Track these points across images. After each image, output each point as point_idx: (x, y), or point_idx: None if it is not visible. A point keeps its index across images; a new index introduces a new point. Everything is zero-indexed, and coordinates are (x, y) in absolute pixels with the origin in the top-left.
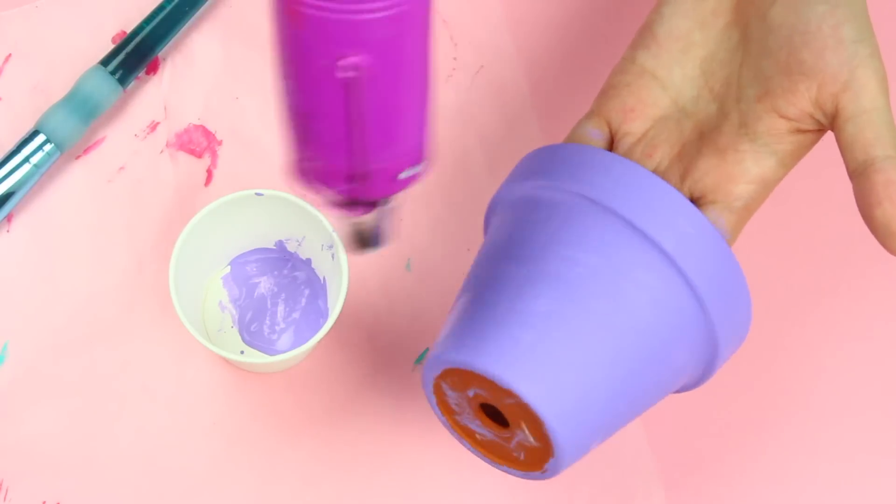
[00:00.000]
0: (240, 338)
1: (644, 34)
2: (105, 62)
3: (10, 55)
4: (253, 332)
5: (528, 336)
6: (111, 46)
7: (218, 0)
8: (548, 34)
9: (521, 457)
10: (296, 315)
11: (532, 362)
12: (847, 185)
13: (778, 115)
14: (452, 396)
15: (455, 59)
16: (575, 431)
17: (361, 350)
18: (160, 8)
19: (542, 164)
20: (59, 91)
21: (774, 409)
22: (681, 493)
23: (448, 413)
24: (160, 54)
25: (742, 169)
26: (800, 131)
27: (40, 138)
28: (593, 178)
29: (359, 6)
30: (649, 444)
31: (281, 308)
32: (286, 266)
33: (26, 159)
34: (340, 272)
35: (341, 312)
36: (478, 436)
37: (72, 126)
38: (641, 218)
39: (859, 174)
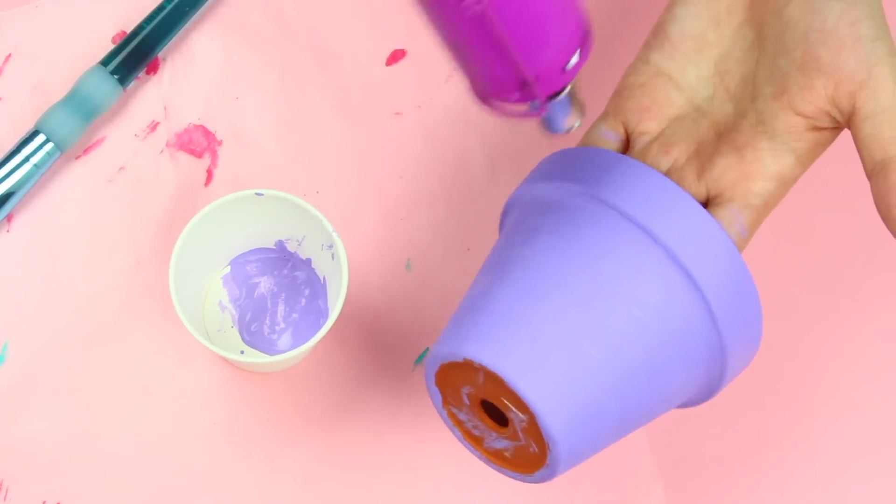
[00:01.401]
0: (240, 338)
1: (657, 34)
2: (105, 62)
3: (10, 55)
4: (253, 331)
5: (534, 336)
6: (111, 46)
7: (218, 0)
8: None
9: (511, 455)
10: (296, 315)
11: (536, 365)
12: (857, 185)
13: (795, 112)
14: (459, 392)
15: None
16: (572, 437)
17: (361, 350)
18: (160, 8)
19: (556, 166)
20: (59, 91)
21: (775, 410)
22: (681, 493)
23: (448, 404)
24: (160, 54)
25: (761, 167)
26: (817, 129)
27: (40, 138)
28: (604, 181)
29: None
30: (649, 444)
31: (281, 308)
32: (286, 266)
33: (26, 159)
34: (340, 272)
35: (341, 312)
36: (486, 444)
37: (72, 126)
38: (653, 223)
39: (877, 173)
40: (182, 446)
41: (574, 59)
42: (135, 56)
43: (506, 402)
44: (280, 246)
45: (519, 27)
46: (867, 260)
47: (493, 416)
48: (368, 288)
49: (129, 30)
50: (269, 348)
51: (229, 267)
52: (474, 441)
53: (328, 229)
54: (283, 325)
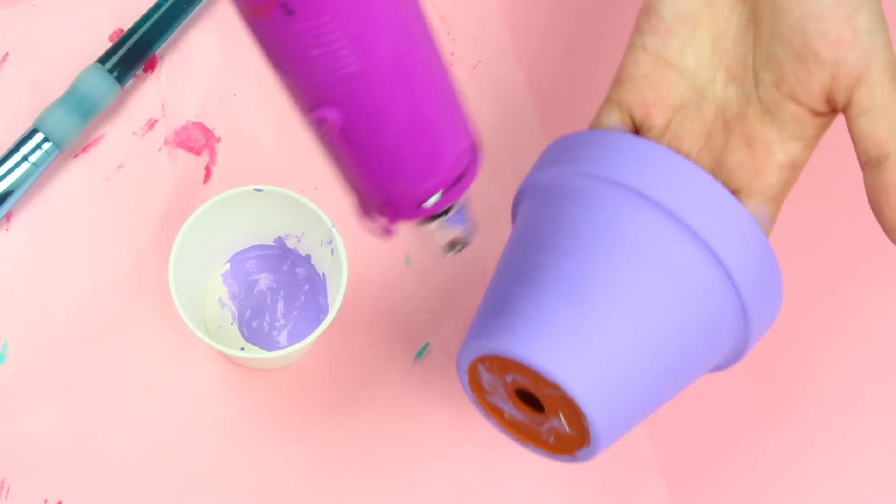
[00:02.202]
0: (240, 334)
1: (650, 17)
2: (103, 60)
3: (7, 54)
4: (253, 328)
5: (576, 330)
6: (109, 45)
7: None
8: (545, 28)
9: (552, 440)
10: (296, 311)
11: (580, 358)
12: (855, 172)
13: (796, 102)
14: (487, 378)
15: (452, 54)
16: (614, 424)
17: (361, 346)
18: (157, 6)
19: (575, 150)
20: (57, 89)
21: (776, 405)
22: (682, 488)
23: (478, 391)
24: (158, 52)
25: (773, 160)
26: (819, 114)
27: (38, 137)
28: (622, 163)
29: (312, 67)
30: (650, 438)
31: (281, 304)
32: (286, 262)
33: (25, 158)
34: (340, 268)
35: (341, 308)
36: (507, 415)
37: (70, 124)
38: (671, 198)
39: (871, 168)
40: (183, 443)
41: (433, 199)
42: (132, 54)
43: (547, 392)
44: (279, 242)
45: (366, 152)
46: (862, 256)
47: (528, 400)
48: (368, 283)
49: (126, 28)
50: (269, 345)
51: (229, 264)
52: (496, 414)
53: (327, 225)
54: (283, 322)
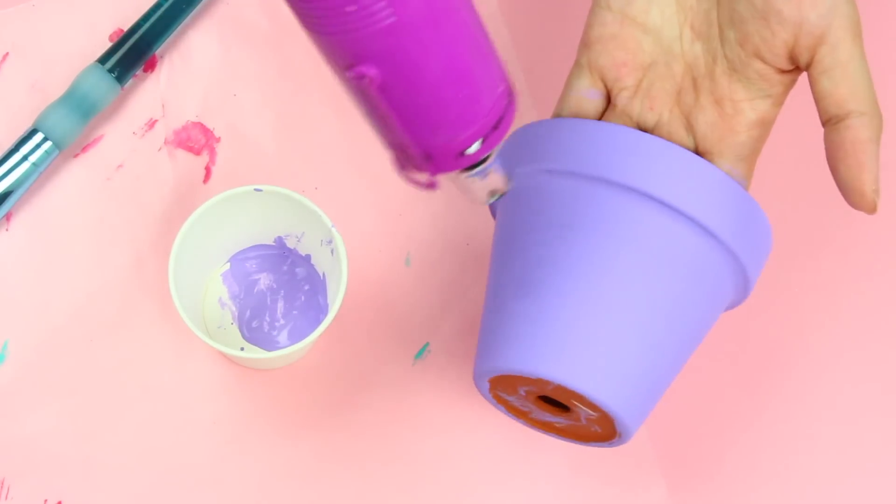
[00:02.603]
0: (240, 334)
1: None
2: (102, 60)
3: (7, 54)
4: (253, 328)
5: (580, 335)
6: (108, 45)
7: None
8: (545, 28)
9: (595, 429)
10: (295, 311)
11: (589, 360)
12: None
13: (761, 60)
14: (509, 398)
15: None
16: (637, 411)
17: (362, 345)
18: (157, 6)
19: (543, 143)
20: (57, 89)
21: (775, 402)
22: (682, 488)
23: (501, 401)
24: (157, 52)
25: (742, 118)
26: (784, 72)
27: (38, 137)
28: (591, 154)
29: (349, 23)
30: (650, 437)
31: (281, 304)
32: (286, 262)
33: (25, 158)
34: (340, 268)
35: (341, 308)
36: (533, 415)
37: (70, 124)
38: (638, 178)
39: (831, 126)
40: (183, 443)
41: (474, 147)
42: (132, 54)
43: (575, 402)
44: (279, 242)
45: (406, 105)
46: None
47: (550, 402)
48: (368, 283)
49: (126, 28)
50: (269, 345)
51: (229, 264)
52: (520, 414)
53: (327, 225)
54: (282, 322)
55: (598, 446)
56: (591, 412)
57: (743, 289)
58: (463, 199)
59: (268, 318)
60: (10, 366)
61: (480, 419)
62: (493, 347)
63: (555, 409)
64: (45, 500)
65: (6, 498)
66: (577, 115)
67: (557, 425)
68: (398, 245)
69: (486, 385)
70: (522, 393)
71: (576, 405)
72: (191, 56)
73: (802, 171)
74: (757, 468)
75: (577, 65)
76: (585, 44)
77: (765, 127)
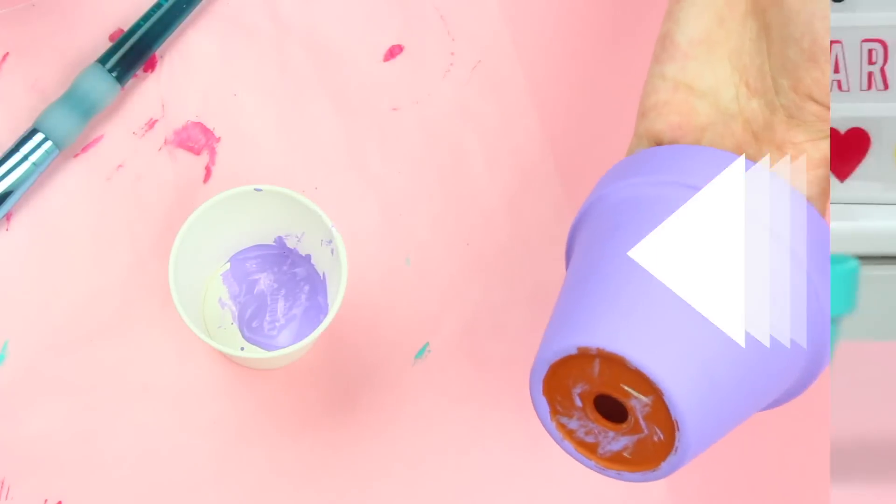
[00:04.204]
0: (240, 334)
1: (665, 45)
2: (102, 60)
3: (7, 54)
4: (253, 328)
5: (646, 311)
6: (108, 44)
7: None
8: (546, 27)
9: (628, 455)
10: (296, 311)
11: (654, 337)
12: None
13: (814, 101)
14: (570, 422)
15: (452, 53)
16: (699, 411)
17: (361, 345)
18: (157, 5)
19: (632, 167)
20: (57, 89)
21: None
22: (682, 488)
23: (567, 433)
24: (157, 52)
25: (807, 160)
26: None
27: (38, 137)
28: (678, 168)
29: None
30: None
31: (281, 304)
32: (286, 262)
33: (25, 158)
34: (340, 268)
35: (341, 308)
36: (576, 435)
37: (70, 124)
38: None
39: None
40: (183, 443)
41: None
42: (132, 54)
43: (626, 388)
44: (279, 242)
45: None
46: None
47: (609, 415)
48: (368, 283)
49: (126, 28)
50: (269, 345)
51: (229, 264)
52: (588, 450)
53: (327, 225)
54: (282, 322)
55: (651, 477)
56: (644, 398)
57: (797, 385)
58: (463, 199)
59: (268, 318)
60: (10, 366)
61: (480, 419)
62: (562, 325)
63: (613, 423)
64: (45, 500)
65: (6, 498)
66: None
67: (625, 454)
68: (398, 245)
69: (546, 408)
70: (579, 403)
71: (629, 397)
72: (191, 56)
73: None
74: (757, 469)
75: (636, 135)
76: (641, 113)
77: (827, 164)
